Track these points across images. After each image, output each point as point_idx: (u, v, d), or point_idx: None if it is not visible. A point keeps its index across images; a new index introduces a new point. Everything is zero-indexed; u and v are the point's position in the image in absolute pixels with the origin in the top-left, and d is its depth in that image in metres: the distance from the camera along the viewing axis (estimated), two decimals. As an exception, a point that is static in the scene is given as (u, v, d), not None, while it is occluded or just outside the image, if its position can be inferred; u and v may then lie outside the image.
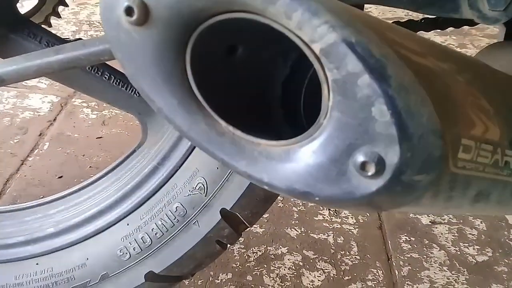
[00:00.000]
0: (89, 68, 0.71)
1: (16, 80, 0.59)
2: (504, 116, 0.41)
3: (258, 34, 0.37)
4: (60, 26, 1.91)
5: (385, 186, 0.33)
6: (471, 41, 2.02)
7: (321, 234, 1.18)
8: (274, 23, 0.32)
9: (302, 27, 0.31)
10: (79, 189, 0.84)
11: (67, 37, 1.87)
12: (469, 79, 0.39)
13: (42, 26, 0.77)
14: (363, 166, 0.33)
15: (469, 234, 1.20)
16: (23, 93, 1.57)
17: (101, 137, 1.43)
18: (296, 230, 1.18)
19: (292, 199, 1.24)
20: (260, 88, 0.42)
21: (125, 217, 0.74)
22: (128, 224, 0.75)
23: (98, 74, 0.71)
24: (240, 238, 0.76)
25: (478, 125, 0.37)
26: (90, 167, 1.33)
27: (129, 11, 0.34)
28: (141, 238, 0.74)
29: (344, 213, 1.24)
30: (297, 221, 1.21)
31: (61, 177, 1.29)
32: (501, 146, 0.40)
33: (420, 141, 0.32)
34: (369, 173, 0.33)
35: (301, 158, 0.35)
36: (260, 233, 1.17)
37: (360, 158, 0.33)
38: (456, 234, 1.19)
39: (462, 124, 0.36)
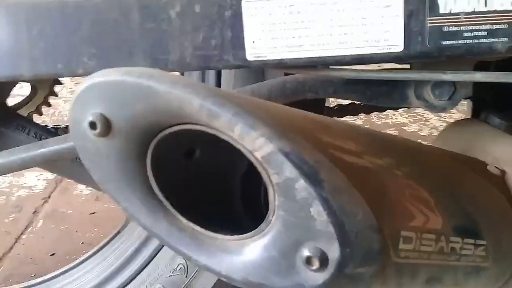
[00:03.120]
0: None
1: (2, 173, 0.63)
2: (446, 204, 0.44)
3: (212, 139, 0.40)
4: (58, 105, 1.99)
5: (330, 278, 0.35)
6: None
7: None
8: (220, 134, 0.36)
9: (244, 138, 0.35)
10: (66, 271, 0.85)
11: (65, 115, 1.94)
12: (407, 172, 0.43)
13: (33, 116, 0.82)
14: (308, 261, 0.35)
15: None
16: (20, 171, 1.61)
17: (94, 213, 1.45)
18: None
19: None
20: (219, 183, 0.45)
21: (108, 299, 0.76)
22: (111, 306, 0.76)
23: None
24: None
25: (418, 216, 0.40)
26: (82, 243, 1.34)
27: (92, 125, 0.38)
28: (125, 320, 0.75)
29: None
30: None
31: (53, 254, 1.30)
32: (445, 233, 0.43)
33: (358, 237, 0.35)
34: (314, 267, 0.35)
35: (254, 251, 0.38)
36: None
37: (305, 252, 0.35)
38: None
39: (399, 217, 0.39)
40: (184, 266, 0.72)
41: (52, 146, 0.59)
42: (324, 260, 0.35)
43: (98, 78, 0.36)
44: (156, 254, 0.74)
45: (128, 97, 0.36)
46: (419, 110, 2.09)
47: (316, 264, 0.35)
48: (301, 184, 0.34)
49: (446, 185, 0.46)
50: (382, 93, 0.55)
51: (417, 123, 2.04)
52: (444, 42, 0.47)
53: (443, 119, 2.06)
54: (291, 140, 0.34)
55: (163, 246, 0.74)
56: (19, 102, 0.91)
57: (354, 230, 0.35)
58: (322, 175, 0.34)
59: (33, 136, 0.74)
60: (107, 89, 0.36)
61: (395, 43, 0.46)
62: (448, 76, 0.49)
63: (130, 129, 0.38)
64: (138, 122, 0.37)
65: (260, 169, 0.36)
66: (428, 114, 2.09)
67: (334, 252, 0.35)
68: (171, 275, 0.73)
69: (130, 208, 0.41)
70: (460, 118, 0.77)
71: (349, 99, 0.56)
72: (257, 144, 0.35)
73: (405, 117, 2.07)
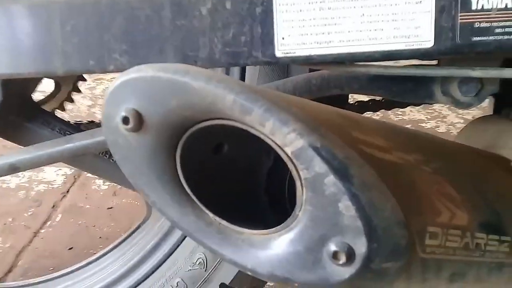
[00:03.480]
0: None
1: (30, 167, 0.64)
2: (472, 200, 0.44)
3: (241, 134, 0.41)
4: (77, 101, 2.01)
5: (356, 273, 0.36)
6: (473, 104, 2.07)
7: (327, 303, 1.17)
8: (251, 129, 0.37)
9: (275, 134, 0.36)
10: (86, 264, 0.87)
11: (83, 111, 1.96)
12: (435, 168, 0.43)
13: (56, 113, 0.84)
14: (335, 255, 0.36)
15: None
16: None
17: (111, 208, 1.47)
18: (302, 299, 1.18)
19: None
20: (245, 179, 0.46)
21: (129, 292, 0.77)
22: (132, 300, 0.77)
23: (106, 157, 0.76)
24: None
25: (444, 212, 0.41)
26: (100, 237, 1.36)
27: (125, 120, 0.38)
28: (144, 313, 0.76)
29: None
30: (303, 290, 1.21)
31: (71, 248, 1.32)
32: (470, 229, 0.43)
33: (385, 232, 0.36)
34: (341, 262, 0.36)
35: (280, 246, 0.39)
36: (267, 303, 1.17)
37: (332, 247, 0.36)
38: None
39: (427, 213, 0.39)
40: (203, 260, 0.73)
41: (78, 141, 0.60)
42: (351, 255, 0.36)
43: (132, 74, 0.37)
44: (176, 249, 0.75)
45: (163, 93, 0.36)
46: (437, 107, 2.07)
47: (342, 258, 0.36)
48: (331, 179, 0.35)
49: (472, 182, 0.46)
50: (407, 89, 0.56)
51: (435, 119, 2.02)
52: (475, 38, 0.47)
53: (460, 115, 2.04)
54: (322, 135, 0.35)
55: (182, 240, 0.76)
56: (43, 98, 0.93)
57: (382, 226, 0.35)
58: (352, 171, 0.35)
59: (57, 131, 0.75)
60: (141, 85, 0.37)
61: (426, 39, 0.47)
62: (477, 73, 0.49)
63: (162, 125, 0.38)
64: (170, 117, 0.38)
65: (289, 164, 0.37)
66: (445, 110, 2.08)
67: (361, 247, 0.35)
68: (190, 269, 0.74)
69: (159, 202, 0.42)
70: (479, 115, 0.77)
71: (374, 95, 0.57)
72: (287, 140, 0.35)
73: (422, 113, 2.06)
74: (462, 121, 1.98)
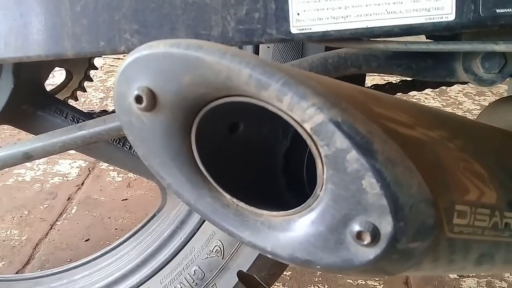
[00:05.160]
0: (111, 140, 0.75)
1: (43, 155, 0.63)
2: (500, 179, 0.42)
3: (258, 113, 0.40)
4: (89, 94, 2.01)
5: (382, 254, 0.34)
6: (490, 89, 2.03)
7: (345, 292, 1.16)
8: (268, 105, 0.35)
9: (293, 109, 0.34)
10: (103, 254, 0.86)
11: (95, 103, 1.97)
12: (461, 145, 0.41)
13: (68, 101, 0.83)
14: (359, 235, 0.34)
15: (498, 286, 1.16)
16: (53, 159, 1.64)
17: (126, 199, 1.47)
18: (320, 288, 1.17)
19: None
20: (262, 160, 0.44)
21: (145, 281, 0.76)
22: (149, 289, 0.76)
23: (120, 144, 0.76)
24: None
25: (472, 190, 0.39)
26: (115, 229, 1.36)
27: (138, 99, 0.37)
28: (162, 303, 0.75)
29: (368, 269, 1.22)
30: (320, 278, 1.20)
31: (87, 240, 1.33)
32: (499, 208, 0.41)
33: (412, 210, 0.34)
34: (365, 242, 0.34)
35: (301, 227, 0.37)
36: (283, 291, 1.16)
37: (355, 227, 0.34)
38: (485, 287, 1.16)
39: (454, 191, 0.37)
40: (220, 248, 0.72)
41: (91, 128, 0.59)
42: (375, 235, 0.34)
43: (144, 51, 0.36)
44: (192, 236, 0.75)
45: (175, 69, 0.35)
46: (452, 94, 2.04)
47: (367, 239, 0.34)
48: (353, 155, 0.33)
49: (499, 160, 0.44)
50: (427, 67, 0.54)
51: (451, 106, 1.99)
52: (499, 10, 0.45)
53: (477, 101, 2.00)
54: (343, 109, 0.33)
55: (198, 228, 0.75)
56: (54, 88, 0.92)
57: (408, 204, 0.34)
58: (375, 146, 0.33)
59: (70, 119, 0.74)
60: (153, 62, 0.35)
61: (447, 11, 0.44)
62: (501, 47, 0.47)
63: (176, 103, 0.37)
64: (184, 95, 0.37)
65: (308, 141, 0.35)
66: (461, 97, 2.04)
67: (386, 226, 0.34)
68: (207, 257, 0.73)
69: (175, 184, 0.41)
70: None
71: (393, 74, 0.54)
72: (307, 115, 0.34)
73: (437, 100, 2.03)
74: (478, 107, 1.95)
